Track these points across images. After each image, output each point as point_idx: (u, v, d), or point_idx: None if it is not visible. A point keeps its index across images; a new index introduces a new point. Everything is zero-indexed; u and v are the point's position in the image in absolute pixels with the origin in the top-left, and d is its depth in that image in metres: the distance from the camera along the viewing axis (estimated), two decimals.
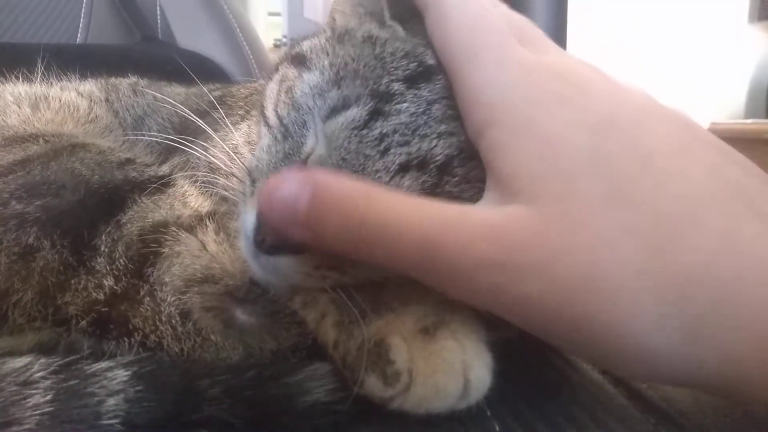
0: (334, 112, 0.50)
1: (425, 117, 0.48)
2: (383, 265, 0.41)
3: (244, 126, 0.71)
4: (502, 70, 0.40)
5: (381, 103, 0.48)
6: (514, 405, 0.47)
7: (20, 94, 0.74)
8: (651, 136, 0.37)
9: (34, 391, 0.40)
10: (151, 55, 1.43)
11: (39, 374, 0.42)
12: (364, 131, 0.48)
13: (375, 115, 0.48)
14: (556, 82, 0.39)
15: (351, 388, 0.45)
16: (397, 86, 0.49)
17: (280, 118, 0.55)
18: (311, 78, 0.53)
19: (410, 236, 0.38)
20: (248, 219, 0.51)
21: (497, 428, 0.45)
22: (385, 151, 0.48)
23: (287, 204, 0.40)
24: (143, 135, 0.76)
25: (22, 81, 0.83)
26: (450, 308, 0.48)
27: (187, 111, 0.69)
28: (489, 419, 0.45)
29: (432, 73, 0.51)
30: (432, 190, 0.47)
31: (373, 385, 0.44)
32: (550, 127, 0.37)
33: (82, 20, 1.43)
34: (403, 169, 0.47)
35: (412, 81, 0.50)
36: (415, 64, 0.51)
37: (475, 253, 0.36)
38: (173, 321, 0.48)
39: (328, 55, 0.54)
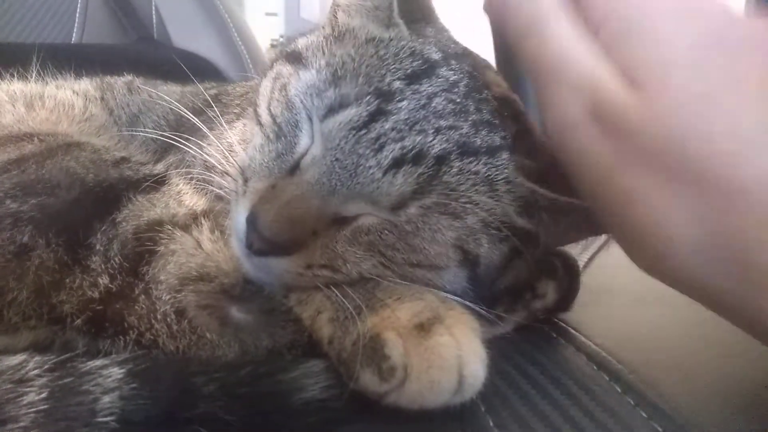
0: (331, 111, 0.50)
1: (424, 112, 0.49)
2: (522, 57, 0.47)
3: (239, 124, 0.71)
4: None
5: (383, 103, 0.49)
6: (508, 400, 0.47)
7: (15, 93, 0.74)
8: (751, 60, 0.40)
9: (29, 389, 0.40)
10: (146, 55, 1.43)
11: (34, 372, 0.42)
12: (363, 132, 0.48)
13: (376, 115, 0.48)
14: None
15: (346, 384, 0.45)
16: (398, 84, 0.50)
17: (273, 116, 0.56)
18: (307, 76, 0.53)
19: (549, 51, 0.44)
20: (239, 220, 0.52)
21: (491, 423, 0.45)
22: (379, 149, 0.48)
23: None
24: (139, 132, 0.75)
25: (17, 80, 0.82)
26: (445, 304, 0.48)
27: (183, 108, 0.69)
28: (483, 414, 0.46)
29: (435, 67, 0.51)
30: (429, 182, 0.48)
31: (368, 381, 0.44)
32: (664, 25, 0.41)
33: (77, 20, 1.42)
34: (397, 163, 0.48)
35: (414, 78, 0.50)
36: (419, 61, 0.51)
37: (579, 93, 0.42)
38: (168, 319, 0.48)
39: (325, 53, 0.54)
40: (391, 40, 0.53)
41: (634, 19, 0.43)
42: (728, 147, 0.37)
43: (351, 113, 0.49)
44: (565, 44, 0.44)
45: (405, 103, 0.48)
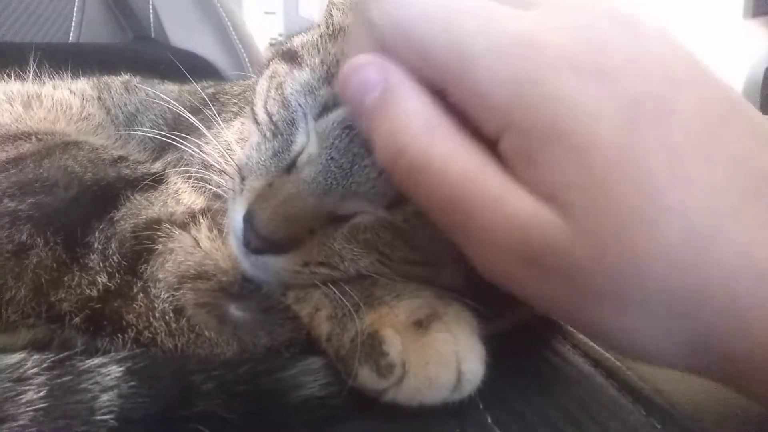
0: (325, 109, 0.50)
1: None
2: (412, 196, 0.40)
3: (237, 123, 0.71)
4: (508, 63, 0.35)
5: None
6: (506, 397, 0.47)
7: (12, 93, 0.74)
8: (679, 125, 0.34)
9: (27, 387, 0.40)
10: (143, 54, 1.43)
11: (32, 370, 0.42)
12: (356, 130, 0.48)
13: None
14: (571, 57, 0.35)
15: (345, 381, 0.45)
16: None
17: (269, 115, 0.56)
18: (302, 75, 0.53)
19: (443, 189, 0.37)
20: (236, 218, 0.52)
21: (489, 420, 0.45)
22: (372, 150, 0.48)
23: (361, 89, 0.39)
24: (136, 131, 0.76)
25: (15, 80, 0.82)
26: (443, 301, 0.48)
27: (180, 108, 0.69)
28: (481, 411, 0.46)
29: None
30: None
31: (366, 378, 0.44)
32: (575, 124, 0.34)
33: (74, 19, 1.43)
34: None
35: None
36: None
37: (503, 241, 0.36)
38: (167, 317, 0.48)
39: (320, 52, 0.54)
40: None
41: (539, 128, 0.34)
42: (685, 255, 0.33)
43: (345, 111, 0.49)
44: (463, 183, 0.36)
45: None
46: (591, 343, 0.55)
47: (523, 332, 0.56)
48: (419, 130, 0.37)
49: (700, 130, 0.34)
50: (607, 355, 0.52)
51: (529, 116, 0.35)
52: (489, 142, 0.37)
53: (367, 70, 0.39)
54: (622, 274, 0.34)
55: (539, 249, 0.35)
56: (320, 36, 0.56)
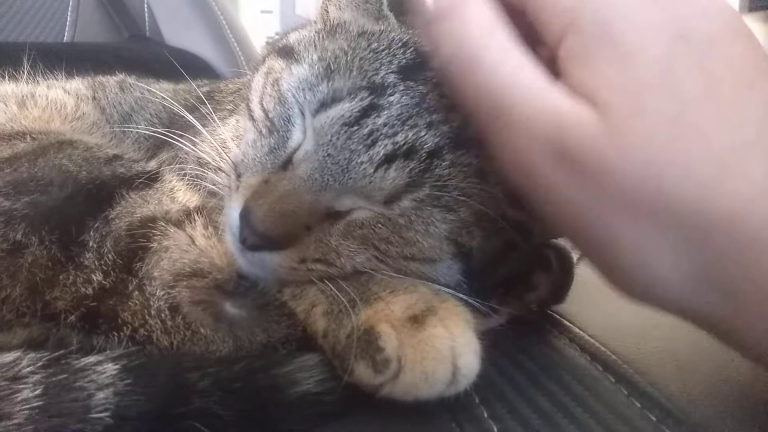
0: (324, 106, 0.50)
1: (417, 108, 0.49)
2: (464, 90, 0.42)
3: (232, 121, 0.71)
4: None
5: (376, 98, 0.49)
6: (502, 392, 0.48)
7: (7, 93, 0.74)
8: (723, 59, 0.37)
9: (23, 386, 0.40)
10: (138, 53, 1.43)
11: (28, 369, 0.41)
12: (354, 128, 0.48)
13: (369, 110, 0.48)
14: None
15: (341, 377, 0.45)
16: (392, 78, 0.49)
17: (265, 111, 0.56)
18: (299, 71, 0.53)
19: (492, 82, 0.40)
20: (233, 215, 0.52)
21: (485, 415, 0.45)
22: (372, 144, 0.48)
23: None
24: (131, 128, 0.75)
25: (8, 80, 0.82)
26: (439, 297, 0.48)
27: (176, 105, 0.69)
28: (477, 406, 0.46)
29: (428, 60, 0.51)
30: (421, 176, 0.48)
31: (362, 373, 0.44)
32: (628, 35, 0.37)
33: (69, 18, 1.42)
34: (389, 159, 0.48)
35: (407, 71, 0.50)
36: (411, 52, 0.51)
37: (540, 131, 0.38)
38: (162, 315, 0.48)
39: (317, 48, 0.54)
40: (382, 32, 0.53)
41: (596, 31, 0.38)
42: (702, 175, 0.35)
43: (343, 108, 0.49)
44: (512, 75, 0.39)
45: (397, 96, 0.48)
46: (587, 337, 0.55)
47: (519, 327, 0.56)
48: (482, 26, 0.41)
49: (740, 71, 0.37)
50: (603, 348, 0.52)
51: (591, 18, 0.38)
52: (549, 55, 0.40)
53: None
54: (645, 179, 0.36)
55: (574, 143, 0.37)
56: (317, 32, 0.56)
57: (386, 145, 0.48)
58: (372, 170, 0.48)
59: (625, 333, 0.55)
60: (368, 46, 0.52)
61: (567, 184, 0.38)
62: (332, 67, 0.51)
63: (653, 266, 0.37)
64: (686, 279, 0.37)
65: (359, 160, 0.48)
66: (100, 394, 0.41)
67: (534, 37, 0.41)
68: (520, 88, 0.39)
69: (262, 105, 0.56)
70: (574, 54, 0.38)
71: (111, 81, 0.93)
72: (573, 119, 0.37)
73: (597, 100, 0.37)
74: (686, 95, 0.36)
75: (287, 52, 0.56)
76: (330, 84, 0.50)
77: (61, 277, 0.48)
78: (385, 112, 0.48)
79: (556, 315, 0.60)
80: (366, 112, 0.48)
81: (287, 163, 0.51)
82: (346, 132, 0.49)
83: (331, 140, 0.49)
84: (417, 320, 0.45)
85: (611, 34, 0.37)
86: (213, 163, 0.61)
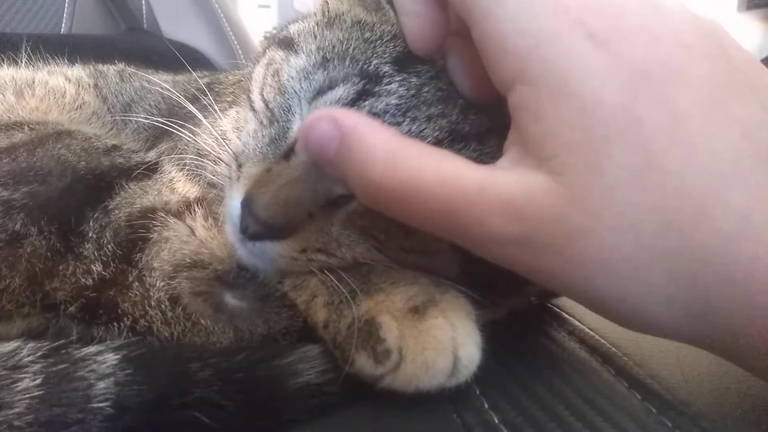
0: (319, 93, 0.50)
1: (415, 100, 0.48)
2: (406, 221, 0.41)
3: (232, 112, 0.71)
4: (531, 15, 0.36)
5: (370, 84, 0.48)
6: (503, 383, 0.47)
7: (4, 82, 0.73)
8: (686, 91, 0.34)
9: (23, 375, 0.40)
10: (136, 45, 1.42)
11: (28, 358, 0.42)
12: (353, 109, 0.48)
13: (363, 95, 0.48)
14: (589, 20, 0.35)
15: (341, 368, 0.45)
16: (386, 68, 0.49)
17: (266, 102, 0.55)
18: (298, 61, 0.53)
19: (427, 205, 0.38)
20: (234, 205, 0.51)
21: (486, 406, 0.45)
22: None
23: (321, 144, 0.42)
24: (134, 117, 0.75)
25: (7, 67, 0.82)
26: (440, 288, 0.48)
27: (177, 94, 0.68)
28: (478, 397, 0.46)
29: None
30: None
31: (363, 364, 0.44)
32: (581, 84, 0.35)
33: (66, 10, 1.41)
34: None
35: (402, 63, 0.50)
36: (403, 45, 0.51)
37: (495, 229, 0.37)
38: (163, 306, 0.48)
39: (316, 38, 0.53)
40: (375, 23, 0.53)
41: (548, 82, 0.35)
42: (679, 219, 0.34)
43: (338, 92, 0.48)
44: (444, 185, 0.38)
45: (395, 86, 0.48)
46: (587, 330, 0.55)
47: (519, 319, 0.56)
48: (385, 162, 0.39)
49: (708, 97, 0.35)
50: (603, 341, 0.52)
51: (542, 69, 0.35)
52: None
53: (320, 125, 0.42)
54: (619, 236, 0.34)
55: (533, 220, 0.36)
56: (316, 23, 0.55)
57: None
58: None
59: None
60: (361, 35, 0.51)
61: (538, 260, 0.37)
62: (328, 57, 0.51)
63: (648, 313, 0.37)
64: (684, 317, 0.36)
65: None
66: (101, 384, 0.41)
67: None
68: (456, 196, 0.37)
69: (262, 96, 0.56)
70: (525, 106, 0.37)
71: (111, 70, 0.92)
72: (526, 196, 0.36)
73: (554, 163, 0.35)
74: (650, 140, 0.34)
75: (287, 43, 0.56)
76: (326, 73, 0.50)
77: (60, 267, 0.48)
78: (383, 99, 0.48)
79: (555, 307, 0.60)
80: (360, 96, 0.48)
81: (289, 153, 0.51)
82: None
83: None
84: (418, 311, 0.45)
85: (563, 86, 0.35)
86: (213, 153, 0.61)
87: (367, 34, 0.51)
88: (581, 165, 0.34)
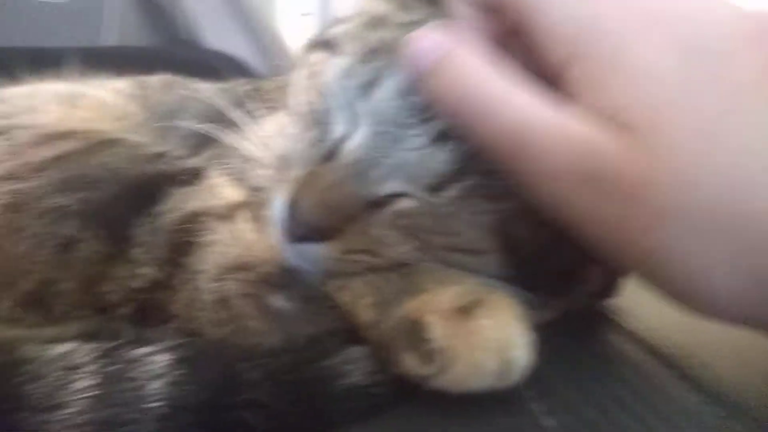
0: (368, 87, 0.50)
1: None
2: (480, 141, 0.43)
3: (274, 117, 0.71)
4: (579, 2, 0.39)
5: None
6: (556, 386, 0.46)
7: (56, 93, 0.76)
8: (740, 67, 0.36)
9: (79, 376, 0.41)
10: (178, 56, 1.45)
11: (84, 359, 0.42)
12: (401, 101, 0.48)
13: (414, 84, 0.48)
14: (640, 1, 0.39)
15: (388, 369, 0.45)
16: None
17: (307, 104, 0.56)
18: (340, 62, 0.53)
19: (504, 127, 0.40)
20: (278, 207, 0.52)
21: (539, 409, 0.44)
22: (420, 122, 0.47)
23: (418, 57, 0.45)
24: (177, 124, 0.77)
25: (57, 81, 0.84)
26: (487, 287, 0.48)
27: (221, 103, 0.69)
28: (530, 399, 0.45)
29: None
30: (470, 159, 0.47)
31: (410, 364, 0.44)
32: (640, 54, 0.37)
33: (108, 23, 1.45)
34: (443, 136, 0.47)
35: None
36: None
37: (561, 165, 0.38)
38: (211, 307, 0.48)
39: (359, 39, 0.53)
40: (419, 22, 0.52)
41: (605, 55, 0.37)
42: (738, 179, 0.34)
43: (389, 84, 0.48)
44: (523, 115, 0.39)
45: None
46: (643, 331, 0.53)
47: (574, 321, 0.55)
48: (477, 73, 0.41)
49: (757, 75, 0.35)
50: (662, 342, 0.51)
51: (598, 45, 0.38)
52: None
53: (425, 37, 0.45)
54: (681, 190, 0.35)
55: (600, 165, 0.37)
56: (359, 25, 0.55)
57: (437, 123, 0.47)
58: (425, 146, 0.47)
59: (683, 325, 0.53)
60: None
61: (602, 206, 0.38)
62: (376, 51, 0.51)
63: (706, 277, 0.36)
64: (747, 289, 0.35)
65: (412, 132, 0.47)
66: (154, 384, 0.41)
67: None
68: (535, 125, 0.39)
69: (303, 98, 0.56)
70: (585, 79, 0.38)
71: (154, 80, 0.94)
72: (595, 143, 0.37)
73: (618, 121, 0.36)
74: (707, 106, 0.35)
75: (329, 45, 0.56)
76: (375, 64, 0.50)
77: (112, 270, 0.49)
78: None
79: (610, 308, 0.59)
80: (411, 87, 0.48)
81: (332, 154, 0.51)
82: (396, 101, 0.48)
83: (378, 119, 0.49)
84: (465, 311, 0.45)
85: (621, 57, 0.37)
86: (256, 158, 0.61)
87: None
88: (646, 123, 0.36)
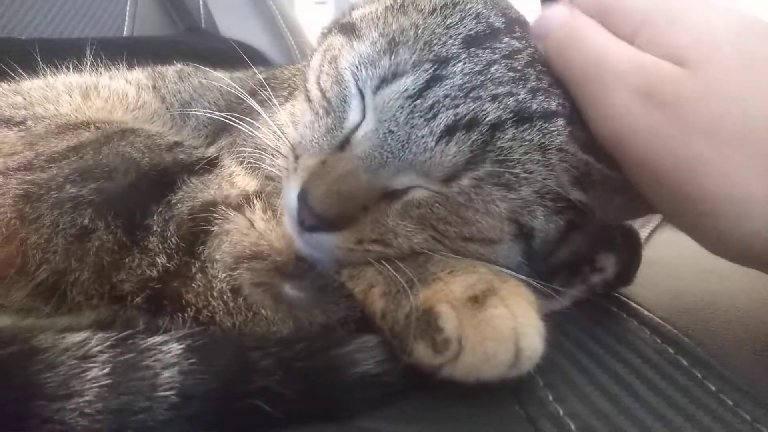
0: (384, 81, 0.49)
1: (481, 78, 0.48)
2: (565, 66, 0.50)
3: (288, 106, 0.71)
4: None
5: (440, 69, 0.48)
6: (568, 374, 0.46)
7: (71, 84, 0.76)
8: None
9: (92, 365, 0.42)
10: (195, 45, 1.45)
11: (97, 348, 0.43)
12: (418, 101, 0.47)
13: (431, 82, 0.47)
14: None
15: (400, 358, 0.45)
16: (455, 48, 0.49)
17: (322, 91, 0.55)
18: (360, 47, 0.52)
19: (589, 49, 0.48)
20: (291, 197, 0.52)
21: (550, 397, 0.44)
22: (433, 117, 0.47)
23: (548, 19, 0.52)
24: (192, 111, 0.77)
25: (73, 72, 0.85)
26: (500, 277, 0.47)
27: (239, 89, 0.69)
28: (542, 388, 0.45)
29: (498, 34, 0.50)
30: (482, 151, 0.47)
31: (422, 354, 0.43)
32: (699, 24, 0.45)
33: (127, 13, 1.46)
34: (450, 131, 0.47)
35: (473, 42, 0.49)
36: (482, 25, 0.50)
37: (627, 81, 0.45)
38: (225, 296, 0.49)
39: (384, 24, 0.53)
40: (456, 4, 0.52)
41: (672, 17, 0.46)
42: None
43: (406, 82, 0.48)
44: (602, 44, 0.47)
45: (460, 66, 0.47)
46: (657, 319, 0.52)
47: (585, 310, 0.55)
48: (591, 27, 0.49)
49: None
50: (675, 331, 0.50)
51: (664, 13, 0.46)
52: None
53: (556, 8, 0.52)
54: (728, 108, 0.41)
55: (659, 83, 0.44)
56: (386, 8, 0.55)
57: (448, 117, 0.47)
58: (433, 143, 0.47)
59: (696, 315, 0.53)
60: (443, 21, 0.51)
61: (654, 117, 0.43)
62: (397, 40, 0.50)
63: (738, 190, 0.40)
64: None
65: (420, 134, 0.47)
66: (166, 373, 0.42)
67: None
68: (612, 50, 0.47)
69: (319, 84, 0.56)
70: (653, 39, 0.46)
71: (170, 70, 0.95)
72: (657, 68, 0.44)
73: (677, 56, 0.44)
74: (755, 56, 0.43)
75: (349, 29, 0.56)
76: (393, 58, 0.49)
77: (126, 260, 0.49)
78: (447, 82, 0.47)
79: (623, 297, 0.58)
80: (429, 84, 0.47)
81: (345, 144, 0.51)
82: (409, 106, 0.48)
83: (394, 116, 0.48)
84: (477, 300, 0.44)
85: (684, 22, 0.45)
86: (271, 146, 0.61)
87: (449, 20, 0.51)
88: (701, 56, 0.43)
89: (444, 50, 0.48)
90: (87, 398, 0.40)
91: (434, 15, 0.51)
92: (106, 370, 0.41)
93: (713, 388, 0.43)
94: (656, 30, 0.46)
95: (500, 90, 0.47)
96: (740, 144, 0.41)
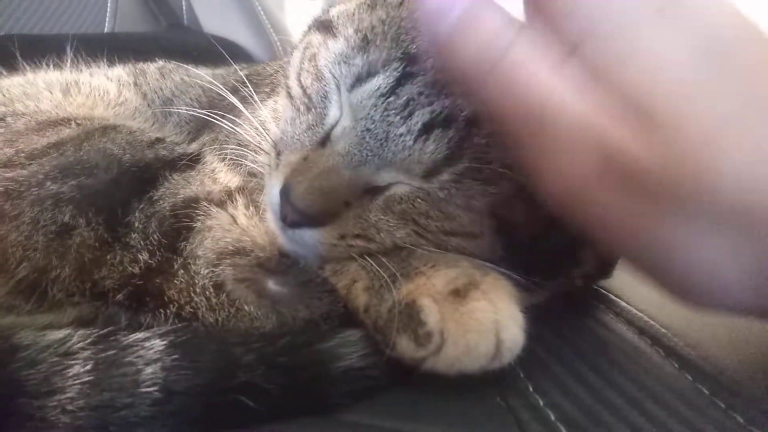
0: (359, 80, 0.49)
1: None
2: (499, 109, 0.40)
3: (270, 102, 0.71)
4: None
5: (410, 66, 0.48)
6: (548, 366, 0.47)
7: (52, 81, 0.75)
8: (749, 62, 0.36)
9: (74, 362, 0.41)
10: (177, 41, 1.45)
11: (78, 345, 0.43)
12: (391, 98, 0.48)
13: (402, 79, 0.48)
14: None
15: (383, 351, 0.45)
16: (424, 43, 0.49)
17: (303, 87, 0.55)
18: (336, 45, 0.53)
19: (530, 100, 0.38)
20: (273, 193, 0.52)
21: (531, 388, 0.44)
22: (409, 115, 0.47)
23: (436, 14, 0.39)
24: (174, 109, 0.76)
25: (53, 69, 0.84)
26: (481, 271, 0.48)
27: (219, 85, 0.69)
28: (522, 380, 0.45)
29: None
30: (460, 146, 0.47)
31: (405, 347, 0.44)
32: (653, 43, 0.36)
33: (108, 9, 1.45)
34: (427, 128, 0.47)
35: None
36: None
37: (579, 146, 0.37)
38: (207, 292, 0.49)
39: (355, 20, 0.53)
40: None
41: (621, 38, 0.37)
42: (755, 173, 0.34)
43: (378, 82, 0.48)
44: (549, 90, 0.38)
45: (431, 62, 0.48)
46: (635, 311, 0.53)
47: (565, 302, 0.55)
48: (510, 44, 0.38)
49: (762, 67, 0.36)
50: (652, 322, 0.51)
51: (614, 25, 0.37)
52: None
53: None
54: (698, 182, 0.35)
55: (619, 153, 0.36)
56: (358, 5, 0.55)
57: (423, 114, 0.47)
58: (411, 142, 0.47)
59: (674, 307, 0.53)
60: (410, 15, 0.51)
61: (618, 197, 0.37)
62: (368, 38, 0.50)
63: (711, 267, 0.36)
64: (748, 277, 0.36)
65: (398, 132, 0.47)
66: (149, 369, 0.42)
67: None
68: (559, 103, 0.37)
69: (299, 81, 0.56)
70: (597, 58, 0.37)
71: (151, 67, 0.94)
72: (617, 134, 0.36)
73: (638, 107, 0.36)
74: (724, 100, 0.35)
75: (326, 26, 0.56)
76: (366, 57, 0.50)
77: (108, 257, 0.49)
78: (419, 79, 0.47)
79: (602, 290, 0.59)
80: (400, 82, 0.48)
81: (325, 140, 0.51)
82: (383, 104, 0.48)
83: (368, 114, 0.48)
84: (459, 294, 0.45)
85: (634, 43, 0.36)
86: (253, 143, 0.61)
87: (417, 13, 0.50)
88: (667, 114, 0.35)
89: (413, 46, 0.48)
90: (69, 395, 0.40)
91: (401, 8, 0.51)
92: (88, 367, 0.41)
93: (690, 378, 0.44)
94: (598, 57, 0.37)
95: None
96: (709, 220, 0.35)
